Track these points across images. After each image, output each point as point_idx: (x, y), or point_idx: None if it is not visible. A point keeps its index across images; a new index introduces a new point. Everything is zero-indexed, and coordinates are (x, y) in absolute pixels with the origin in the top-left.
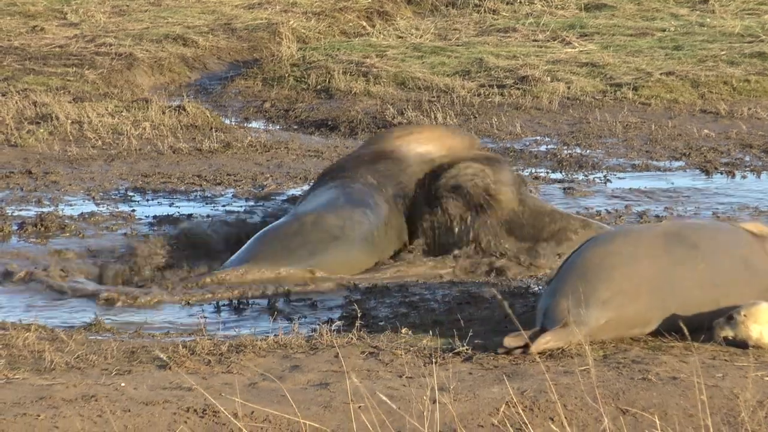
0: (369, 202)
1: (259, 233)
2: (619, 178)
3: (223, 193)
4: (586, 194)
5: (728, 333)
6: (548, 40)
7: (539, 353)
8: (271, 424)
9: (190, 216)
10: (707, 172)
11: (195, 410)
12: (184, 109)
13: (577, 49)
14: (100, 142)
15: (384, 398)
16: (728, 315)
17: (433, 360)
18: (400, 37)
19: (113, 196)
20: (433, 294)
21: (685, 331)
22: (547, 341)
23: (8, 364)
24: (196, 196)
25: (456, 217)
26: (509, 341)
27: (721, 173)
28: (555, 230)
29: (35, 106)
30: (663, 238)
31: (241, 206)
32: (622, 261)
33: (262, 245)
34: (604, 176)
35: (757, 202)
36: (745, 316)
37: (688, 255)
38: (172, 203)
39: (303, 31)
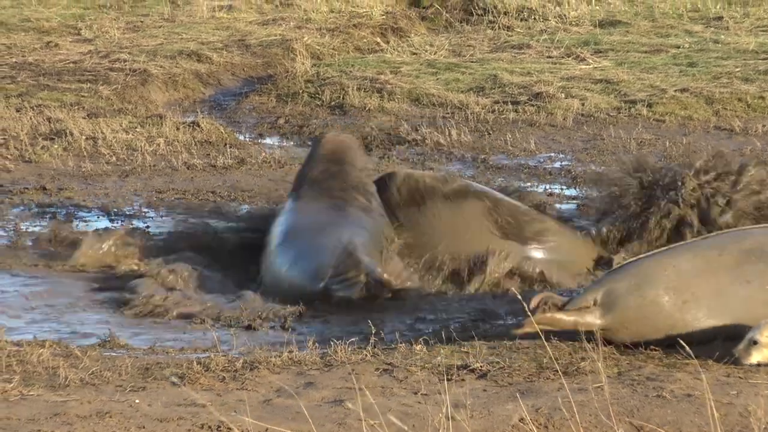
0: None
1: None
2: None
3: (237, 209)
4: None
5: (754, 358)
6: (562, 57)
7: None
8: None
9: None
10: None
11: (209, 427)
12: (199, 125)
13: (591, 66)
14: (114, 158)
15: (398, 415)
16: (750, 339)
17: (448, 377)
18: (414, 54)
19: (127, 212)
20: (448, 310)
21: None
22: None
23: (23, 381)
24: (210, 212)
25: None
26: (534, 302)
27: None
28: None
29: (49, 121)
30: (741, 255)
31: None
32: (683, 269)
33: None
34: None
35: None
36: (763, 337)
37: (761, 273)
38: (186, 219)
39: (317, 47)
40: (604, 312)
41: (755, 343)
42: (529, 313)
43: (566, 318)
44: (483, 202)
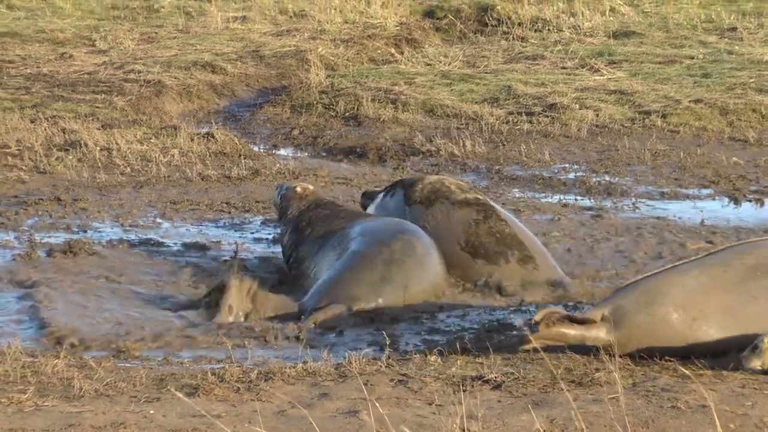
0: None
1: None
2: (648, 205)
3: (251, 220)
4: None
5: (755, 363)
6: (577, 68)
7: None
8: None
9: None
10: (736, 200)
11: None
12: (213, 136)
13: (605, 77)
14: (128, 169)
15: (413, 426)
16: (753, 345)
17: (462, 388)
18: (428, 65)
19: (142, 223)
20: (462, 322)
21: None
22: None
23: (37, 392)
24: (224, 223)
25: None
26: (538, 316)
27: (750, 201)
28: None
29: (64, 132)
30: (746, 271)
31: (270, 233)
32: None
33: None
34: (633, 204)
35: None
36: None
37: (766, 289)
38: (201, 230)
39: (331, 58)
40: (612, 328)
41: (756, 348)
42: (533, 328)
43: (573, 332)
44: (475, 215)
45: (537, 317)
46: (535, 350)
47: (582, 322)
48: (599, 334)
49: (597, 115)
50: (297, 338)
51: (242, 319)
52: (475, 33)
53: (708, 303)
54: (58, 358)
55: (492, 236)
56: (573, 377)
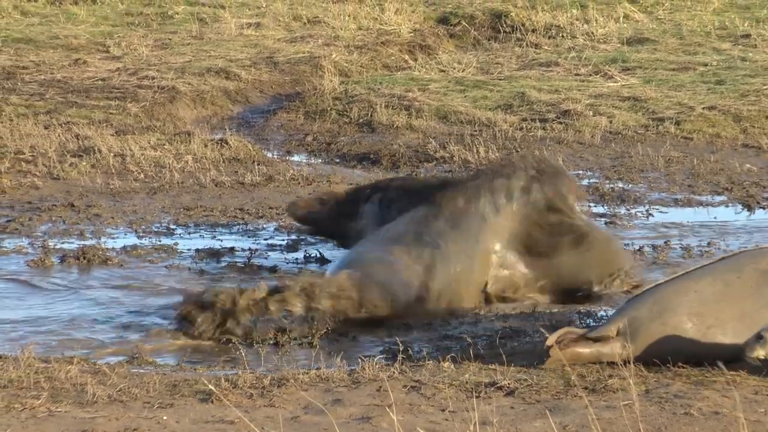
0: None
1: None
2: (662, 212)
3: (265, 226)
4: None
5: (759, 353)
6: (590, 74)
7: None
8: None
9: (232, 249)
10: (749, 207)
11: None
12: (227, 143)
13: (619, 84)
14: (142, 175)
15: None
16: (757, 334)
17: (476, 394)
18: (442, 71)
19: (155, 229)
20: (475, 328)
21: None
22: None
23: (51, 397)
24: (238, 229)
25: None
26: (551, 340)
27: (764, 208)
28: None
29: (78, 139)
30: (760, 277)
31: (284, 239)
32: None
33: None
34: (647, 210)
35: None
36: None
37: None
38: (215, 236)
39: (345, 64)
40: (627, 341)
41: (761, 338)
42: (549, 350)
43: (588, 351)
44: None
45: (550, 341)
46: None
47: (597, 339)
48: (614, 349)
49: (611, 122)
50: (310, 344)
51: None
52: (489, 39)
53: (723, 310)
54: (71, 364)
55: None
56: (586, 384)
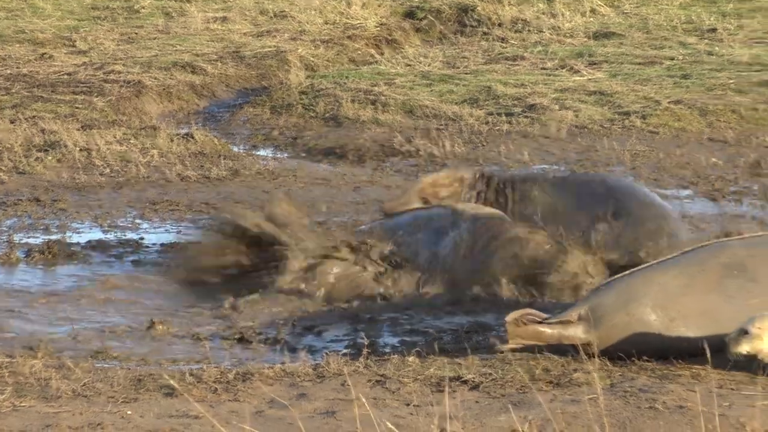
0: None
1: None
2: None
3: None
4: None
5: (743, 348)
6: (556, 69)
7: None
8: None
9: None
10: (715, 201)
11: None
12: (193, 137)
13: (585, 78)
14: (108, 170)
15: (391, 427)
16: (741, 329)
17: (440, 388)
18: (408, 65)
19: (121, 224)
20: (440, 322)
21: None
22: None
23: (15, 392)
24: (204, 223)
25: None
26: (511, 317)
27: (729, 201)
28: None
29: (43, 133)
30: (722, 270)
31: None
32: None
33: None
34: None
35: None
36: (759, 328)
37: (742, 288)
38: (180, 231)
39: (311, 58)
40: (590, 327)
41: (746, 333)
42: (511, 326)
43: (549, 331)
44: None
45: (511, 317)
46: (513, 351)
47: (559, 322)
48: (577, 332)
49: (577, 116)
50: (275, 339)
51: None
52: (455, 34)
53: (686, 303)
54: (35, 359)
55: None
56: (551, 378)
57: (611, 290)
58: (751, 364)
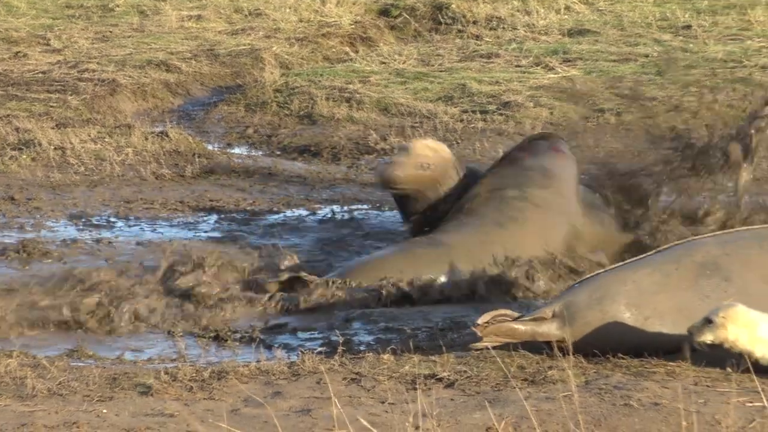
0: None
1: None
2: None
3: (205, 219)
4: None
5: (707, 337)
6: (531, 66)
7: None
8: None
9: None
10: (690, 197)
11: None
12: (167, 135)
13: (560, 75)
14: (82, 168)
15: (366, 424)
16: (706, 318)
17: (415, 386)
18: (383, 63)
19: (96, 222)
20: (415, 320)
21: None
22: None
23: None
24: (178, 222)
25: None
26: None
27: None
28: None
29: (18, 132)
30: (697, 269)
31: (226, 231)
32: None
33: None
34: None
35: None
36: (723, 317)
37: (717, 288)
38: (155, 229)
39: (286, 56)
40: (563, 324)
41: (710, 322)
42: (481, 327)
43: (523, 328)
44: None
45: (482, 320)
46: (488, 348)
47: (533, 320)
48: (550, 330)
49: (551, 113)
50: (250, 337)
51: None
52: (430, 31)
53: (661, 302)
54: (11, 357)
55: None
56: (526, 375)
57: (585, 288)
58: (724, 361)
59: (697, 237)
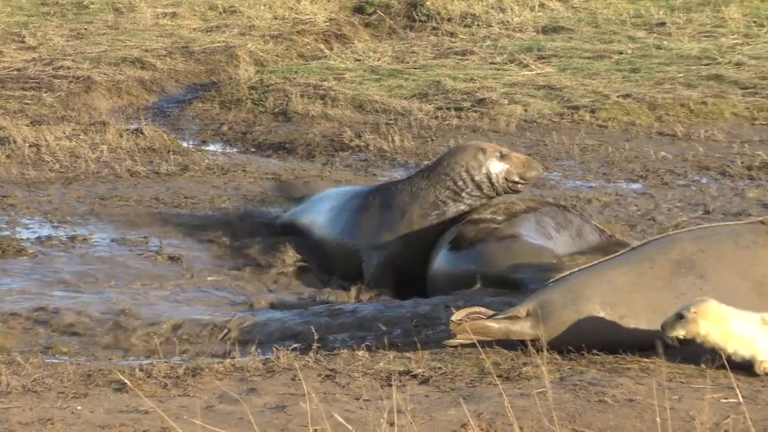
0: None
1: None
2: (578, 199)
3: (180, 215)
4: None
5: (679, 332)
6: (506, 63)
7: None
8: None
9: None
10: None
11: None
12: (142, 132)
13: (534, 72)
14: (57, 166)
15: (341, 421)
16: (678, 313)
17: (390, 383)
18: (357, 60)
19: (70, 220)
20: (390, 317)
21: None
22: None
23: None
24: (153, 219)
25: None
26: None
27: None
28: None
29: None
30: (672, 267)
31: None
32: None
33: None
34: (562, 198)
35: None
36: (695, 313)
37: (692, 285)
38: (130, 226)
39: (261, 54)
40: (538, 323)
41: (681, 317)
42: (455, 324)
43: (497, 326)
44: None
45: (456, 317)
46: (463, 345)
47: (507, 318)
48: (524, 328)
49: (526, 110)
50: (225, 334)
51: None
52: (405, 28)
53: (636, 300)
54: None
55: None
56: (501, 371)
57: (560, 287)
58: (699, 357)
59: (672, 233)
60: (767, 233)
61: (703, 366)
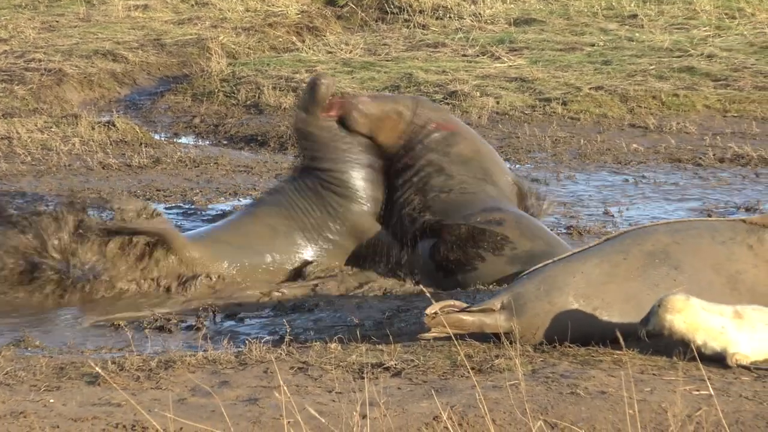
0: None
1: None
2: (550, 191)
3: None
4: None
5: (648, 327)
6: (477, 55)
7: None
8: None
9: None
10: (636, 186)
11: (124, 426)
12: (114, 125)
13: (506, 64)
14: (29, 158)
15: (313, 413)
16: (651, 309)
17: (362, 375)
18: (329, 53)
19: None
20: (362, 309)
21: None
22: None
23: None
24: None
25: None
26: (431, 309)
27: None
28: None
29: None
30: (645, 258)
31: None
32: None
33: None
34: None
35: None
36: (659, 306)
37: (666, 276)
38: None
39: (233, 46)
40: (511, 315)
41: (650, 311)
42: (429, 318)
43: (471, 319)
44: None
45: (430, 310)
46: (436, 339)
47: (480, 311)
48: (498, 321)
49: (498, 103)
50: (197, 326)
51: None
52: (377, 21)
53: (610, 292)
54: None
55: None
56: (473, 364)
57: (534, 279)
58: (671, 349)
59: (647, 225)
60: (746, 231)
61: (675, 358)
